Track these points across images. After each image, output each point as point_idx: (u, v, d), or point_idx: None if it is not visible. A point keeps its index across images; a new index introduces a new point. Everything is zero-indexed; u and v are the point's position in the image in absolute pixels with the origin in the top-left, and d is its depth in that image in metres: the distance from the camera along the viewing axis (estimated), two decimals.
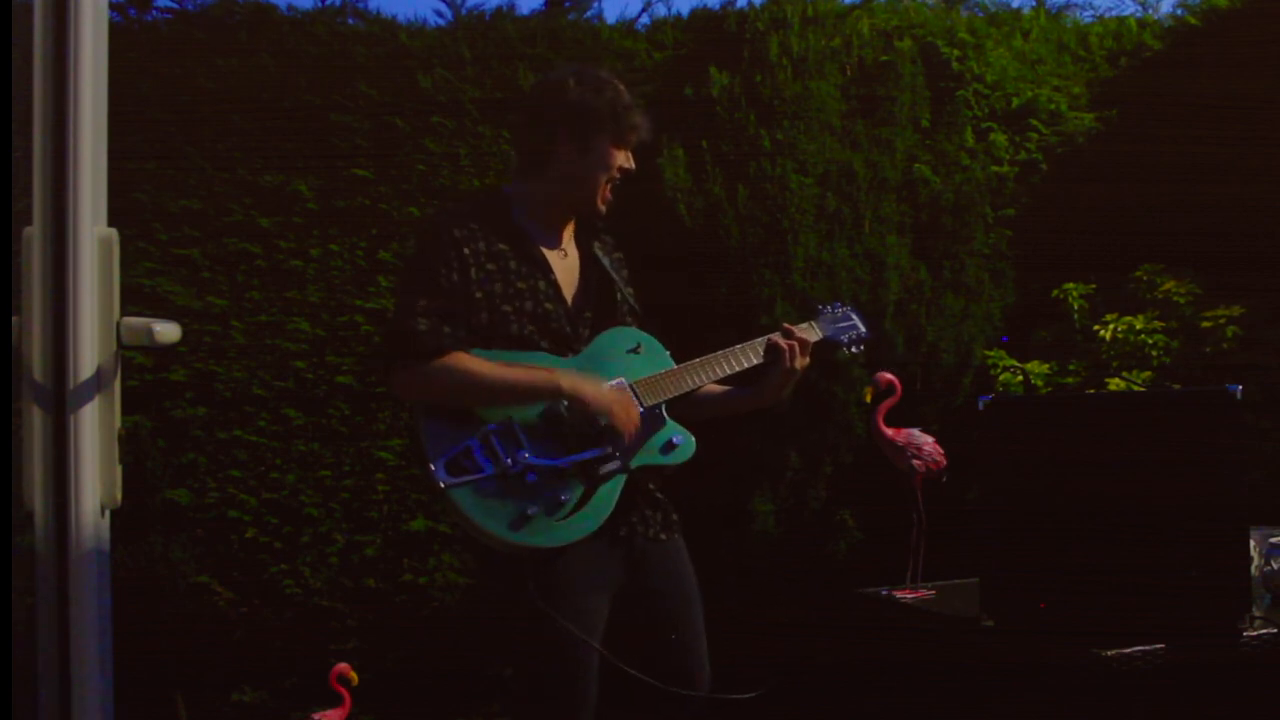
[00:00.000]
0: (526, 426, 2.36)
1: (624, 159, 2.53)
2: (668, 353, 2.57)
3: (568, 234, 2.59)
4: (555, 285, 2.50)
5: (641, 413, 2.44)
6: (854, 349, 2.81)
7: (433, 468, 2.31)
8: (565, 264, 2.55)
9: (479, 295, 2.41)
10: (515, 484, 2.32)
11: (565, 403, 2.38)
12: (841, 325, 2.78)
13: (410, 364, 2.38)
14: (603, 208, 2.55)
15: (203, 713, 4.23)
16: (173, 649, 4.09)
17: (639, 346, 2.53)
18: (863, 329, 2.80)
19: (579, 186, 2.52)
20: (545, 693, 2.42)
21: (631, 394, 2.46)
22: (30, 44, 1.85)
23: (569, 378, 2.39)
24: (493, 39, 4.70)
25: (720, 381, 2.60)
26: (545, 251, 2.52)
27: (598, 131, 2.49)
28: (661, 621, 2.53)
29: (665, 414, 2.50)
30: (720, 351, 2.56)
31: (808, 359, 2.60)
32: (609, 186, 2.54)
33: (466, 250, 2.42)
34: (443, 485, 2.31)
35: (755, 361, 2.58)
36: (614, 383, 2.46)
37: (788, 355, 2.56)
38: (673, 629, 2.55)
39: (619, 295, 2.60)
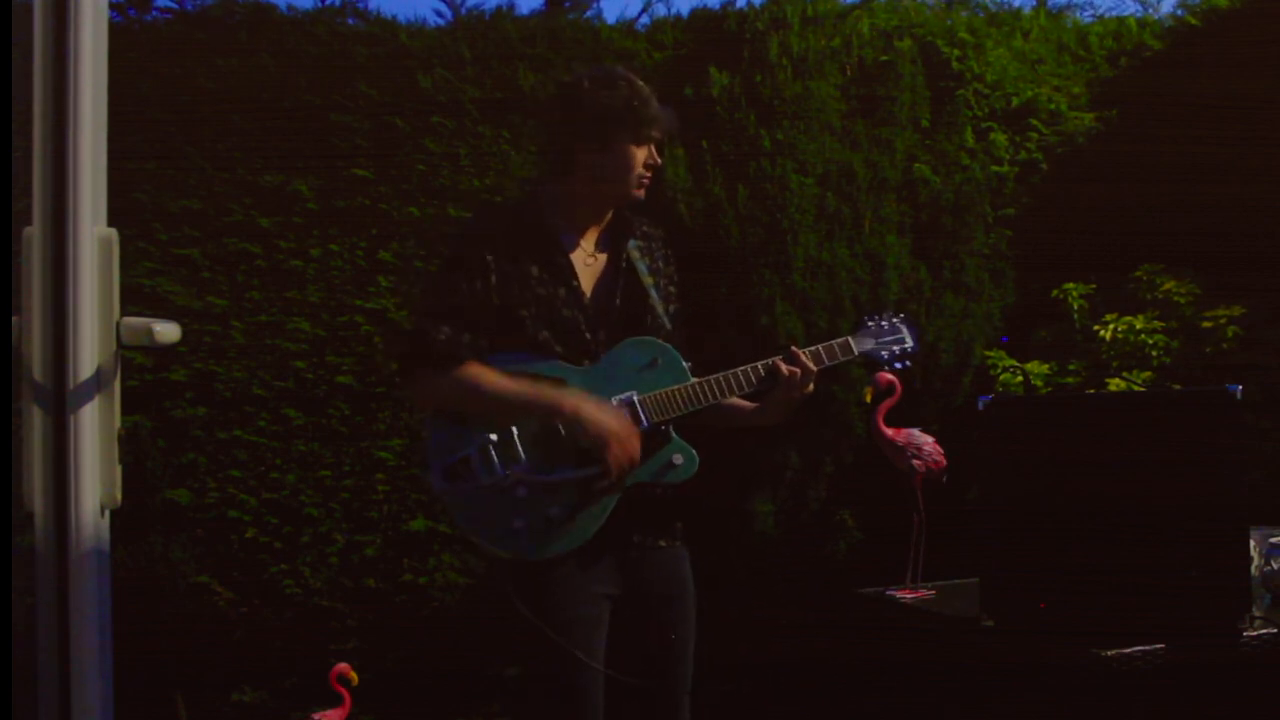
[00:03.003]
0: (526, 440, 2.37)
1: (646, 155, 2.50)
2: (687, 366, 2.50)
3: (600, 232, 2.56)
4: (576, 292, 2.48)
5: (645, 429, 2.41)
6: (896, 365, 2.72)
7: (430, 471, 2.36)
8: (591, 269, 2.53)
9: (498, 301, 2.42)
10: (505, 496, 2.34)
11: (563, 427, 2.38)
12: (886, 339, 2.69)
13: (428, 373, 2.41)
14: (638, 196, 2.51)
15: (203, 713, 4.23)
16: (173, 649, 4.09)
17: (655, 361, 2.47)
18: (910, 343, 2.70)
19: (606, 186, 2.50)
20: (543, 701, 2.43)
21: (633, 418, 2.41)
22: (30, 44, 1.84)
23: (572, 399, 2.37)
24: (493, 39, 4.70)
25: (724, 410, 2.56)
26: (572, 257, 2.51)
27: (617, 131, 2.46)
28: (652, 622, 2.51)
29: (672, 432, 2.46)
30: (737, 369, 2.50)
31: (811, 387, 2.54)
32: (640, 180, 2.50)
33: (489, 256, 2.42)
34: (436, 490, 2.36)
35: (767, 377, 2.52)
36: (622, 398, 2.42)
37: (786, 383, 2.50)
38: (668, 629, 2.54)
39: (651, 302, 2.55)
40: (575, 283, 2.49)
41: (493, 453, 2.35)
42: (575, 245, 2.53)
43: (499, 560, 2.39)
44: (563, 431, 2.37)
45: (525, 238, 2.48)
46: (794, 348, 2.54)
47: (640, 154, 2.49)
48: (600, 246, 2.56)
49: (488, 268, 2.42)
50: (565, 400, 2.37)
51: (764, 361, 2.52)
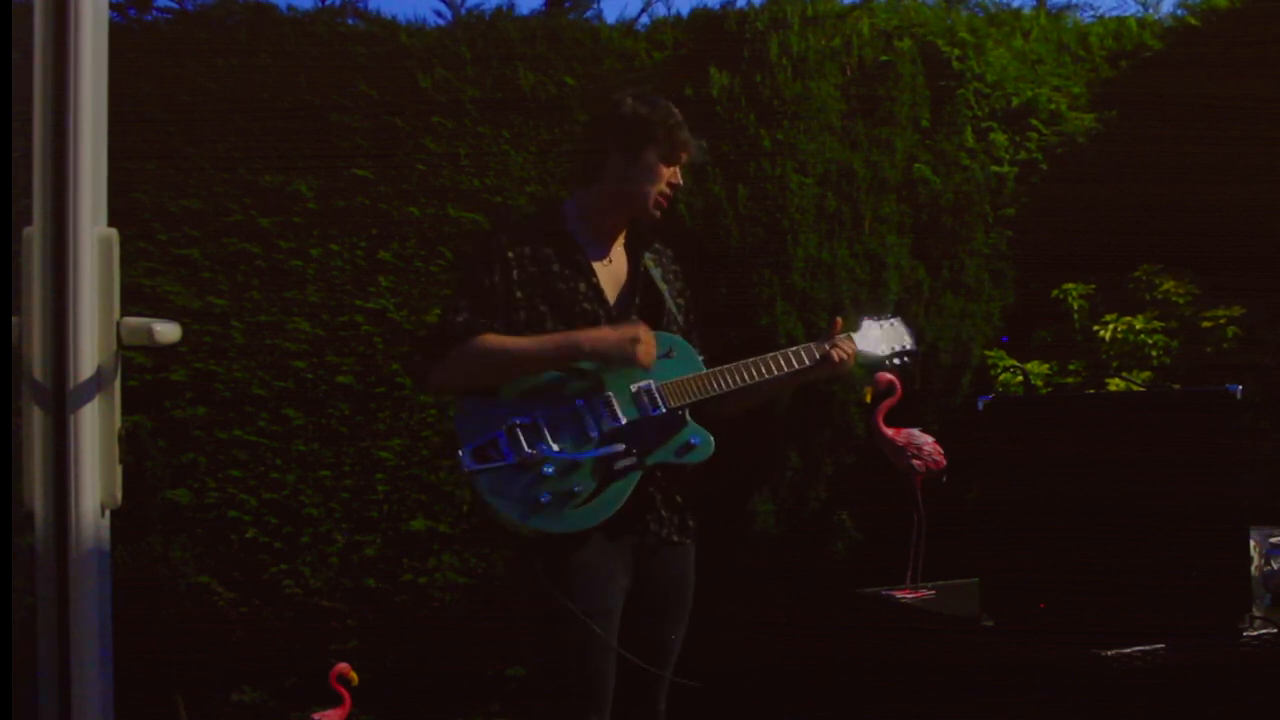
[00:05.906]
0: (550, 422, 2.47)
1: (672, 175, 2.62)
2: (701, 359, 2.63)
3: (618, 243, 2.69)
4: (596, 288, 2.60)
5: (664, 413, 2.52)
6: (895, 362, 2.85)
7: (461, 454, 2.45)
8: (609, 270, 2.65)
9: (519, 294, 2.54)
10: (532, 474, 2.44)
11: (588, 395, 2.50)
12: (886, 339, 2.83)
13: (444, 352, 2.50)
14: (655, 213, 2.63)
15: (203, 713, 4.23)
16: (173, 649, 4.09)
17: (671, 351, 2.59)
18: (909, 343, 2.84)
19: (628, 196, 2.62)
20: (559, 689, 2.50)
21: (652, 404, 2.53)
22: (30, 44, 1.85)
23: (587, 332, 2.51)
24: (493, 39, 4.70)
25: (748, 386, 2.63)
26: (591, 258, 2.62)
27: (647, 145, 2.59)
28: (654, 613, 2.61)
29: (688, 416, 2.56)
30: (749, 359, 2.61)
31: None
32: (660, 197, 2.62)
33: (510, 254, 2.55)
34: (467, 470, 2.45)
35: (784, 370, 2.64)
36: (641, 385, 2.53)
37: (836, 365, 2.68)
38: (667, 623, 2.63)
39: (666, 305, 2.68)
40: (595, 279, 2.61)
41: (519, 434, 2.45)
42: (593, 249, 2.64)
43: (526, 542, 2.48)
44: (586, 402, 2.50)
45: (547, 239, 2.60)
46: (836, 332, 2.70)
47: (666, 171, 2.60)
48: (618, 256, 2.68)
49: (509, 263, 2.54)
50: (581, 335, 2.50)
51: (773, 354, 2.64)
